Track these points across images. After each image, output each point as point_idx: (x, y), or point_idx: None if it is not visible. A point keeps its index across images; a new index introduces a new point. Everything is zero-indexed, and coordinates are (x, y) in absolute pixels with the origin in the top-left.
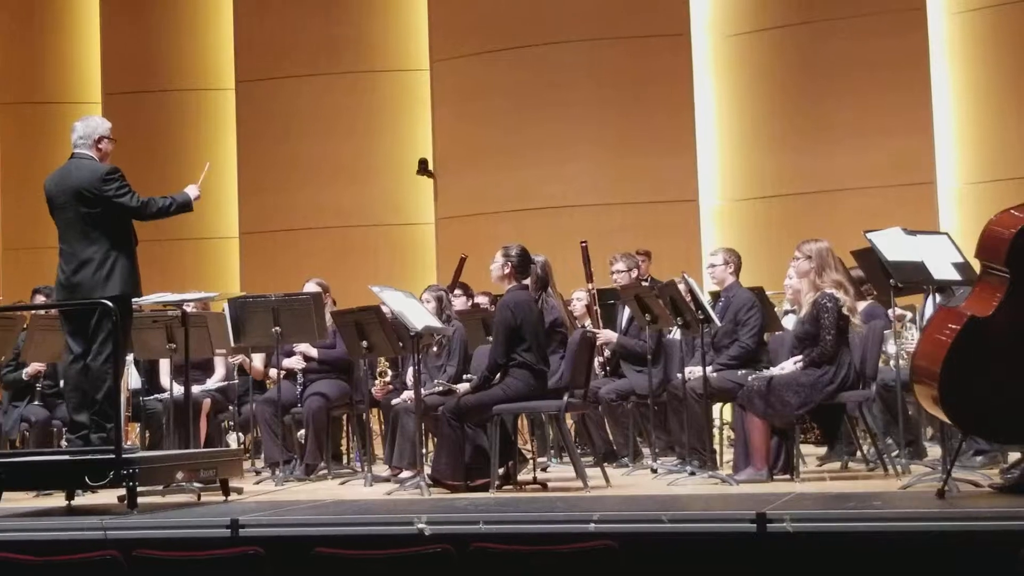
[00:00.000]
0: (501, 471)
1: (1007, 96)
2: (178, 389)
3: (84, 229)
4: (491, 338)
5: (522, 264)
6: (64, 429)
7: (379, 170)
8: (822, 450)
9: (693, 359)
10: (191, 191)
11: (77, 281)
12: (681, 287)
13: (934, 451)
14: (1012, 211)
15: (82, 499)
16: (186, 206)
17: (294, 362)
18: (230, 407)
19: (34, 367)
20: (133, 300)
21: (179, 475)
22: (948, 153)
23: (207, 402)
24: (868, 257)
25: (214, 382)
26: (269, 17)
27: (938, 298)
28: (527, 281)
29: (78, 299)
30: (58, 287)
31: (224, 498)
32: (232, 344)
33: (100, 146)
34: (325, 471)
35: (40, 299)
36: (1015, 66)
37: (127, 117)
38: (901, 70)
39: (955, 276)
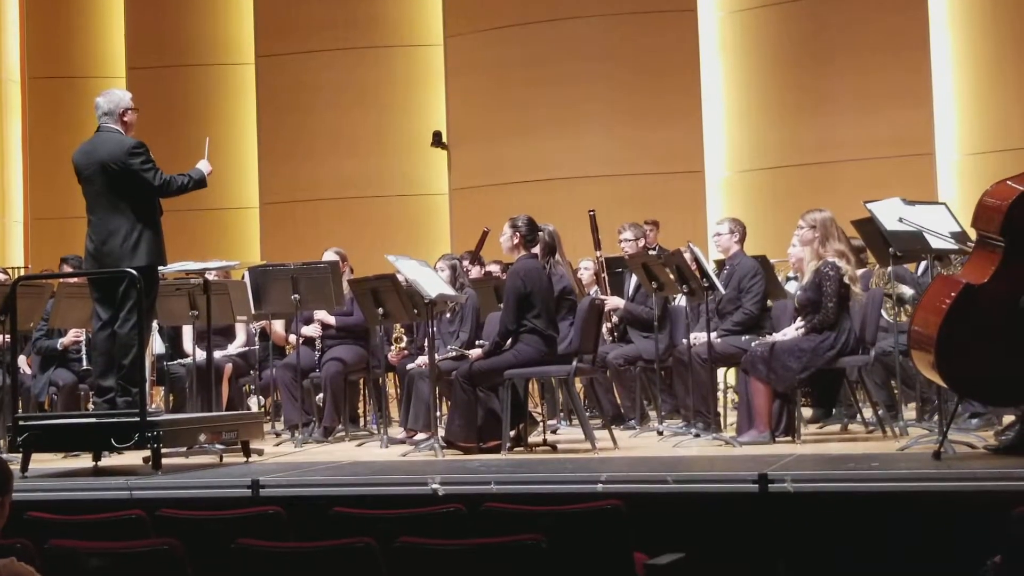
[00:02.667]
0: (512, 433)
1: (1006, 69)
2: (201, 354)
3: (111, 200)
4: (502, 305)
5: (530, 233)
6: (91, 393)
7: (395, 142)
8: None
9: (698, 325)
10: (203, 167)
11: (106, 251)
12: (687, 256)
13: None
14: (1008, 182)
15: (108, 460)
16: (201, 182)
17: (311, 330)
18: (251, 371)
19: (70, 337)
20: (158, 268)
21: (202, 437)
22: (947, 125)
23: (229, 367)
24: (868, 226)
25: (235, 347)
26: None
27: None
28: (536, 250)
29: (106, 268)
30: (87, 256)
31: (245, 459)
32: (253, 311)
33: (125, 119)
34: (343, 433)
35: (67, 268)
36: (1013, 39)
37: (150, 91)
38: (902, 44)
39: (950, 244)
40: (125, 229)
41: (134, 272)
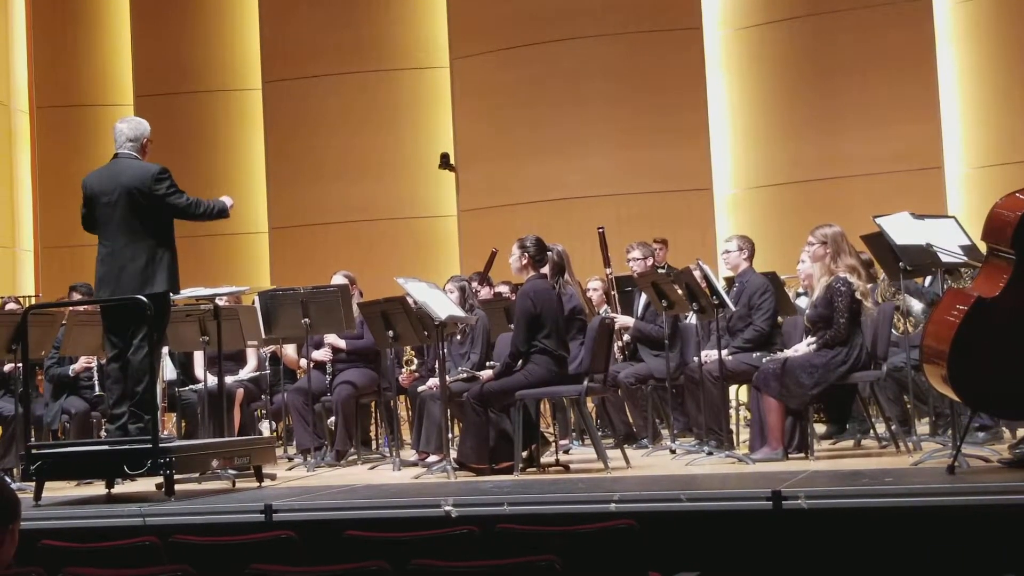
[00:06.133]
0: (524, 454)
1: (1012, 82)
2: (212, 380)
3: (130, 227)
4: (513, 326)
5: (539, 253)
6: (104, 420)
7: (402, 165)
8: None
9: (709, 343)
10: (227, 200)
11: (124, 278)
12: (696, 273)
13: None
14: (1018, 194)
15: (121, 487)
16: (224, 212)
17: (322, 354)
18: (262, 396)
19: (82, 363)
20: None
21: (214, 463)
22: (955, 138)
23: (240, 392)
24: (878, 241)
25: (246, 372)
26: (294, 19)
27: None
28: (545, 270)
29: (121, 295)
30: (99, 282)
31: (258, 484)
32: (263, 336)
33: (147, 148)
34: (355, 457)
35: (76, 296)
36: (1019, 52)
37: (158, 118)
38: (908, 59)
39: (960, 258)
40: (145, 256)
41: (144, 300)
